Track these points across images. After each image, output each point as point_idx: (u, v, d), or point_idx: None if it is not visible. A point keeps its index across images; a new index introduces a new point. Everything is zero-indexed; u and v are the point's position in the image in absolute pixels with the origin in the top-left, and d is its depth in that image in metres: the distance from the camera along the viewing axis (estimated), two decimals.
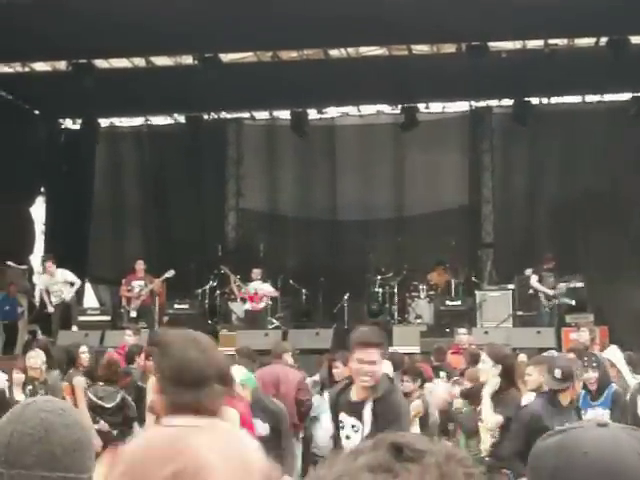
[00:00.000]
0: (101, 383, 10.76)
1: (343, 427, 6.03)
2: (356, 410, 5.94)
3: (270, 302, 19.62)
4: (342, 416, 6.03)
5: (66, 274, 19.08)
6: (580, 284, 19.18)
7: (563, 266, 18.77)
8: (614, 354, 11.07)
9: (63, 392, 10.47)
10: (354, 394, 6.00)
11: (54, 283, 18.96)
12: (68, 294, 19.05)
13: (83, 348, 12.13)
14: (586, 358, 9.28)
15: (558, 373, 7.61)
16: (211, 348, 3.41)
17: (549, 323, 17.92)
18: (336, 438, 6.12)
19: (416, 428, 9.05)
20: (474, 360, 10.31)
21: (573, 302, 18.17)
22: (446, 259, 20.68)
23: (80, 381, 10.79)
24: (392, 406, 5.90)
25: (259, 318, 19.18)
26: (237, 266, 20.94)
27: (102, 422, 10.44)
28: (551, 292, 18.11)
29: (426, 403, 9.95)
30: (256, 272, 19.39)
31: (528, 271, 18.85)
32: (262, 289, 19.25)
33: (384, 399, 5.87)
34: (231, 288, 20.11)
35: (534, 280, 18.40)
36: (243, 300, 19.61)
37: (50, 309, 19.10)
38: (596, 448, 1.71)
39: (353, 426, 5.95)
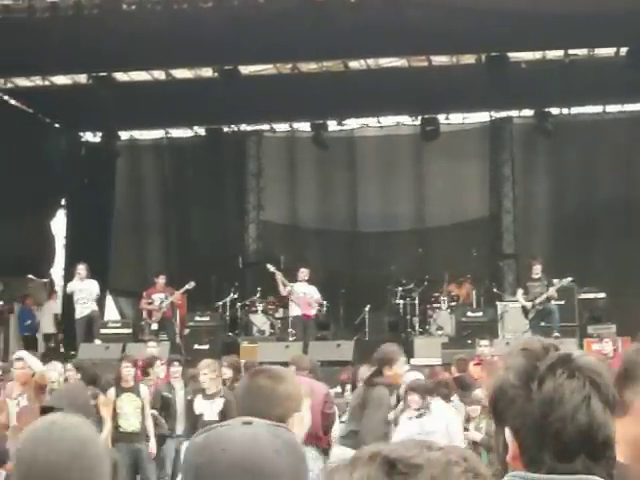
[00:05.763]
0: None
1: None
2: None
3: (321, 308, 19.11)
4: None
5: (94, 287, 18.49)
6: (602, 295, 19.05)
7: (584, 276, 18.62)
8: None
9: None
10: None
11: (81, 290, 18.27)
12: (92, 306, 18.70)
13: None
14: None
15: None
16: None
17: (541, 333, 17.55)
18: None
19: None
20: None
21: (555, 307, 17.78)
22: (466, 271, 20.59)
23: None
24: None
25: (310, 326, 18.34)
26: (258, 278, 20.92)
27: None
28: (529, 304, 17.66)
29: None
30: (304, 272, 18.50)
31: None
32: (310, 294, 18.38)
33: None
34: (277, 284, 18.80)
35: (519, 295, 18.05)
36: (282, 308, 19.46)
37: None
38: (235, 445, 1.76)
39: None
